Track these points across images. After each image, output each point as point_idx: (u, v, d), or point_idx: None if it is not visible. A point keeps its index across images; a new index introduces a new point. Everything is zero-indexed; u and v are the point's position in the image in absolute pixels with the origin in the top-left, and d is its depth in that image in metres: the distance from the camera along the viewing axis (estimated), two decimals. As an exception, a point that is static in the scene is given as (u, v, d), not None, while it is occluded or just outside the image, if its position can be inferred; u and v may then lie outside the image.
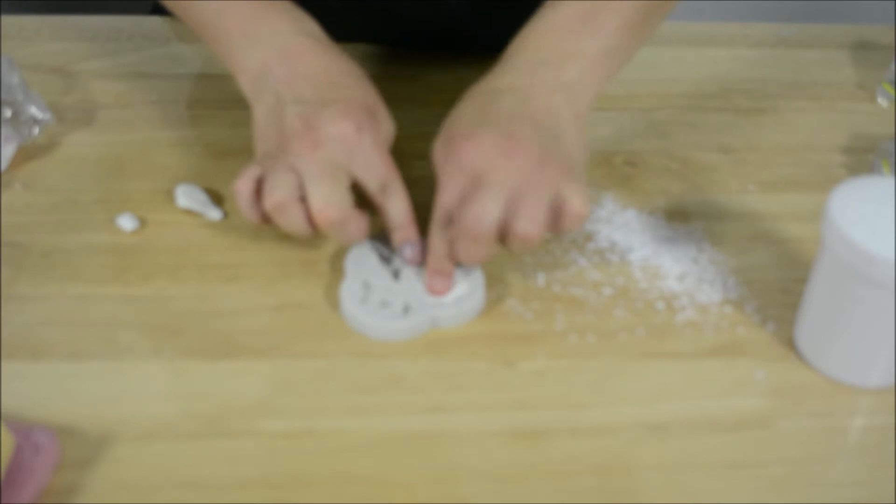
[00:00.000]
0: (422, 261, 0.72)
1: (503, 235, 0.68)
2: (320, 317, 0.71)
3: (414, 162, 0.76)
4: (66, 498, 0.60)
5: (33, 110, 0.82)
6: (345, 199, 0.69)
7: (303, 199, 0.69)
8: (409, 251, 0.71)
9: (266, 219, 0.70)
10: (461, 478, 0.63)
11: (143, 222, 0.77)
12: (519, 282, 0.74)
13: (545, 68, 0.72)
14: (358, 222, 0.70)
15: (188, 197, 0.78)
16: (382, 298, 0.71)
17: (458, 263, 0.71)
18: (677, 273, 0.75)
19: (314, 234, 0.70)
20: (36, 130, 0.82)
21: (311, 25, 0.75)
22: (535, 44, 0.74)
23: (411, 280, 0.72)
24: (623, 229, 0.78)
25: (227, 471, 0.62)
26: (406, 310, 0.70)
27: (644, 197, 0.81)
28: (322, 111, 0.70)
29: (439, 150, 0.71)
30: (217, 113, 0.87)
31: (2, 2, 1.04)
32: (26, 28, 0.95)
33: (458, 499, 0.61)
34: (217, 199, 0.79)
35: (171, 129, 0.86)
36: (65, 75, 0.90)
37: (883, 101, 0.93)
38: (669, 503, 0.62)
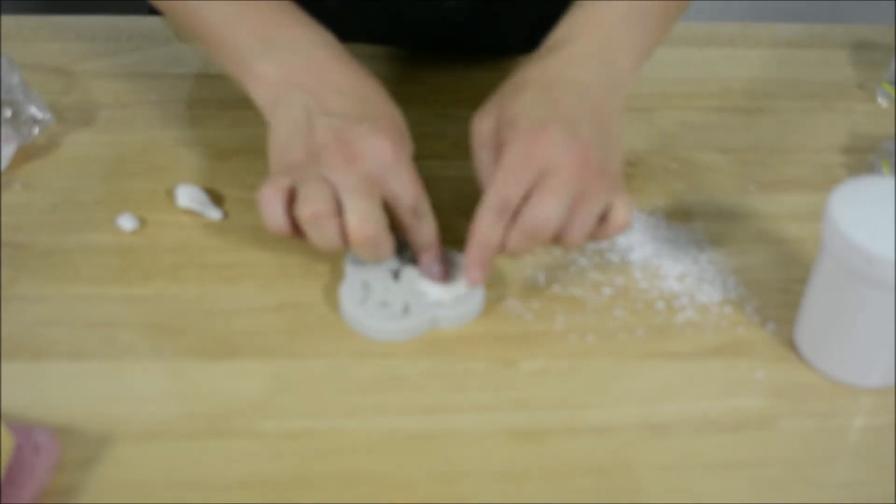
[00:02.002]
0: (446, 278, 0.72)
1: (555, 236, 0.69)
2: (320, 317, 0.71)
3: (414, 162, 0.76)
4: (66, 498, 0.60)
5: (33, 110, 0.82)
6: (381, 217, 0.68)
7: (338, 214, 0.67)
8: (437, 269, 0.71)
9: (295, 229, 0.69)
10: (461, 478, 0.63)
11: (143, 222, 0.77)
12: (519, 282, 0.74)
13: (603, 62, 0.72)
14: (388, 241, 0.69)
15: (188, 197, 0.78)
16: (382, 299, 0.71)
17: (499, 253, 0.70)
18: (677, 273, 0.75)
19: (340, 249, 0.69)
20: (36, 130, 0.82)
21: (330, 37, 0.74)
22: (591, 33, 0.73)
23: (411, 280, 0.72)
24: (610, 239, 0.78)
25: (227, 471, 0.62)
26: (406, 310, 0.70)
27: (644, 197, 0.81)
28: (358, 126, 0.69)
29: (490, 128, 0.70)
30: (217, 113, 0.87)
31: (2, 2, 1.04)
32: (26, 28, 0.95)
33: (458, 499, 0.61)
34: (217, 199, 0.79)
35: (171, 129, 0.86)
36: (65, 75, 0.90)
37: (883, 101, 0.93)
38: (669, 503, 0.62)
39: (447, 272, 0.72)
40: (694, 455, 0.64)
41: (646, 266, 0.76)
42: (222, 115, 0.87)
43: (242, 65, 0.73)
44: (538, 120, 0.69)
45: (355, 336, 0.70)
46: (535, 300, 0.73)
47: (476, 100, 0.74)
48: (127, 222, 0.76)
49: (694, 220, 0.80)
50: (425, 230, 0.71)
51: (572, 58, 0.72)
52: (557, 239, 0.69)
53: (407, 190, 0.69)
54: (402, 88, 0.86)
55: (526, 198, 0.67)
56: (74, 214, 0.78)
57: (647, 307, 0.73)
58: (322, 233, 0.67)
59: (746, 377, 0.69)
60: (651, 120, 0.89)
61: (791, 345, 0.71)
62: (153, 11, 0.99)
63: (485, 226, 0.68)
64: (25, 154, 0.82)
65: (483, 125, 0.71)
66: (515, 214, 0.68)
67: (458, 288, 0.71)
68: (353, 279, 0.72)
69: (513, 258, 0.72)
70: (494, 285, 0.73)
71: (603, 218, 0.69)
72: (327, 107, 0.70)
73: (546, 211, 0.67)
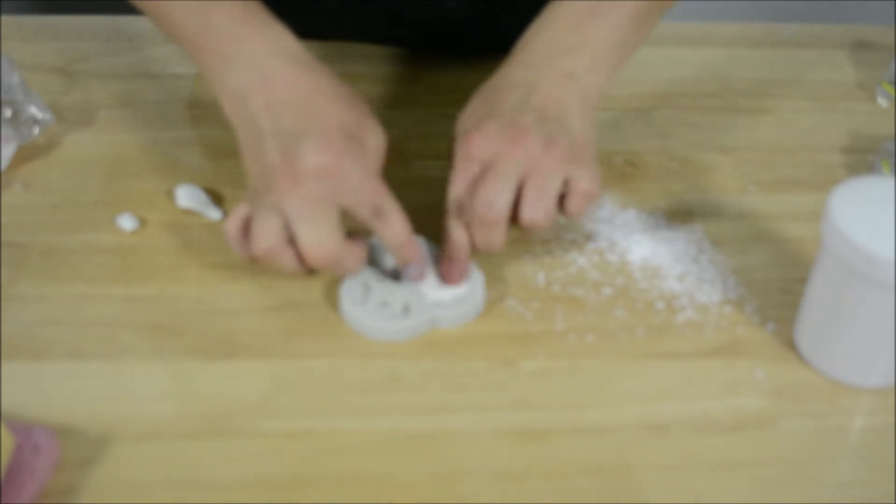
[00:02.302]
0: (425, 272, 0.72)
1: (516, 219, 0.69)
2: (320, 317, 0.71)
3: (414, 162, 0.76)
4: (66, 498, 0.60)
5: (33, 110, 0.82)
6: (334, 236, 0.67)
7: (292, 241, 0.67)
8: (413, 271, 0.71)
9: (257, 259, 0.69)
10: (461, 478, 0.63)
11: (143, 222, 0.77)
12: (519, 282, 0.74)
13: (553, 60, 0.73)
14: (352, 255, 0.69)
15: (188, 197, 0.78)
16: (382, 299, 0.71)
17: (473, 252, 0.71)
18: (677, 273, 0.75)
19: (309, 273, 0.70)
20: (36, 130, 0.82)
21: (288, 43, 0.72)
22: (543, 38, 0.75)
23: (411, 281, 0.72)
24: (623, 229, 0.78)
25: (227, 471, 0.62)
26: (406, 310, 0.70)
27: (644, 197, 0.81)
28: (300, 144, 0.67)
29: (453, 147, 0.72)
30: (217, 113, 0.87)
31: (2, 2, 1.04)
32: (26, 28, 0.95)
33: (458, 499, 0.61)
34: (217, 199, 0.79)
35: (171, 129, 0.86)
36: (65, 75, 0.90)
37: (883, 101, 0.93)
38: (669, 503, 0.62)
39: (422, 272, 0.71)
40: (694, 455, 0.64)
41: (646, 266, 0.76)
42: (222, 116, 0.87)
43: (212, 82, 0.73)
44: (474, 121, 0.71)
45: (355, 336, 0.70)
46: (535, 300, 0.73)
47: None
48: (127, 222, 0.76)
49: (694, 220, 0.80)
50: (390, 231, 0.69)
51: (519, 64, 0.74)
52: (521, 220, 0.69)
53: (360, 196, 0.68)
54: (402, 88, 0.87)
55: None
56: (74, 214, 0.78)
57: (647, 307, 0.73)
58: (280, 264, 0.68)
59: (746, 377, 0.69)
60: (651, 120, 0.89)
61: (791, 345, 0.71)
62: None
63: (449, 229, 0.70)
64: (25, 154, 0.82)
65: (451, 146, 0.73)
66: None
67: (458, 288, 0.71)
68: (354, 279, 0.72)
69: (487, 251, 0.72)
70: (494, 285, 0.74)
71: (567, 192, 0.70)
72: (275, 124, 0.69)
73: (486, 193, 0.68)
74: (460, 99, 0.74)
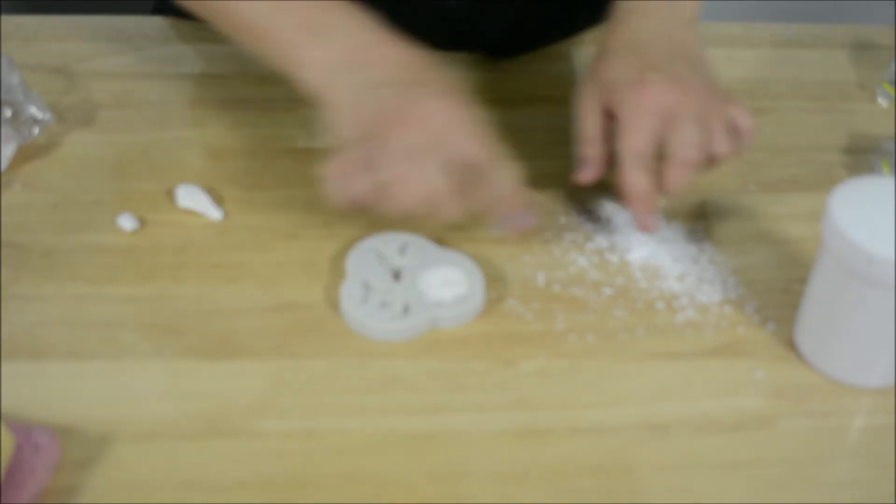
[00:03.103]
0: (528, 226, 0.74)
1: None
2: (320, 317, 0.71)
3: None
4: (66, 498, 0.60)
5: (33, 110, 0.82)
6: (438, 179, 0.69)
7: (408, 180, 0.69)
8: (519, 219, 0.73)
9: (363, 200, 0.70)
10: (461, 478, 0.63)
11: (143, 222, 0.77)
12: (519, 282, 0.74)
13: (670, 11, 0.79)
14: (455, 203, 0.70)
15: (188, 197, 0.78)
16: (382, 299, 0.71)
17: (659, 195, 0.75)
18: (677, 273, 0.75)
19: (410, 213, 0.70)
20: (36, 130, 0.82)
21: (373, 20, 0.75)
22: None
23: (411, 280, 0.72)
24: (623, 229, 0.78)
25: (227, 471, 0.62)
26: (406, 310, 0.70)
27: (644, 197, 0.81)
28: (419, 91, 0.71)
29: (595, 97, 0.76)
30: (217, 113, 0.87)
31: (2, 2, 1.04)
32: (26, 28, 0.95)
33: (459, 499, 0.61)
34: (217, 199, 0.79)
35: (171, 129, 0.86)
36: (65, 75, 0.90)
37: (883, 101, 0.93)
38: (669, 503, 0.62)
39: (527, 223, 0.73)
40: (694, 455, 0.64)
41: (646, 266, 0.76)
42: (222, 115, 0.87)
43: (291, 52, 0.74)
44: (636, 75, 0.74)
45: (355, 336, 0.70)
46: (535, 300, 0.73)
47: (475, 100, 0.74)
48: (127, 222, 0.76)
49: (694, 220, 0.80)
50: (496, 183, 0.71)
51: (641, 17, 0.79)
52: (710, 160, 0.74)
53: (469, 148, 0.70)
54: (402, 88, 0.86)
55: (659, 144, 0.73)
56: (74, 214, 0.78)
57: (647, 307, 0.73)
58: (399, 196, 0.69)
59: (746, 377, 0.69)
60: (651, 120, 0.89)
61: (791, 345, 0.71)
62: (154, 11, 0.99)
63: (632, 179, 0.73)
64: (25, 154, 0.82)
65: (583, 92, 0.77)
66: (660, 159, 0.73)
67: (458, 288, 0.72)
68: (354, 279, 0.72)
69: (674, 197, 0.75)
70: (494, 285, 0.74)
71: (732, 131, 0.75)
72: (386, 77, 0.71)
73: (685, 137, 0.72)
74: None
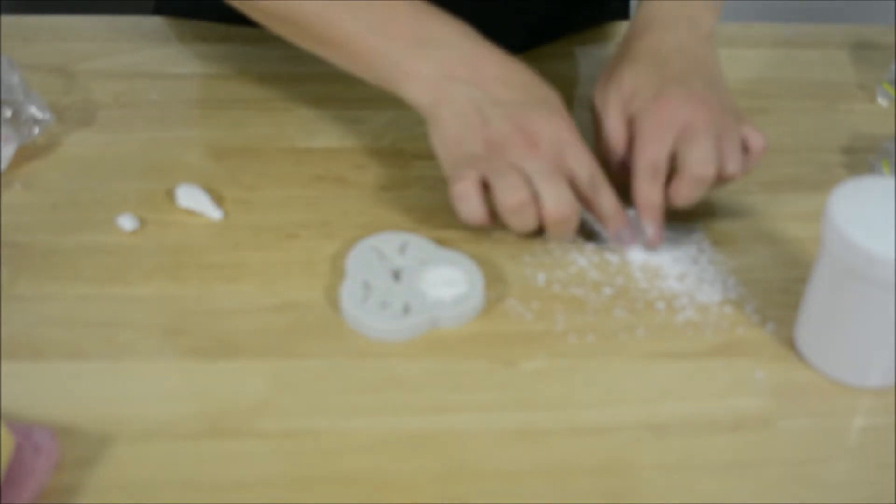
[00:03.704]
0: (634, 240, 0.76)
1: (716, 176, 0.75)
2: (320, 317, 0.71)
3: (414, 162, 0.76)
4: (66, 498, 0.60)
5: (33, 110, 0.82)
6: (572, 197, 0.72)
7: (534, 200, 0.71)
8: (627, 234, 0.75)
9: (491, 218, 0.72)
10: (461, 478, 0.63)
11: (143, 222, 0.77)
12: (519, 282, 0.74)
13: (689, 24, 0.80)
14: (578, 218, 0.74)
15: (188, 197, 0.78)
16: (382, 299, 0.71)
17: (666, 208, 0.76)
18: (677, 273, 0.75)
19: (533, 231, 0.73)
20: (36, 130, 0.82)
21: (473, 30, 0.77)
22: (671, 5, 0.82)
23: (411, 280, 0.72)
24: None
25: (227, 471, 0.62)
26: (406, 310, 0.70)
27: (644, 197, 0.81)
28: (532, 111, 0.73)
29: (612, 99, 0.78)
30: (217, 113, 0.87)
31: (2, 2, 1.04)
32: (26, 28, 0.95)
33: (459, 499, 0.61)
34: (217, 199, 0.79)
35: (171, 129, 0.86)
36: (65, 75, 0.90)
37: (883, 101, 0.93)
38: (669, 503, 0.62)
39: (636, 235, 0.75)
40: (694, 455, 0.64)
41: (646, 266, 0.76)
42: (222, 115, 0.87)
43: (395, 67, 0.74)
44: (657, 87, 0.76)
45: (355, 336, 0.70)
46: (535, 300, 0.73)
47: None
48: (127, 222, 0.76)
49: (694, 220, 0.80)
50: (606, 200, 0.74)
51: (662, 28, 0.80)
52: (722, 176, 0.75)
53: (584, 165, 0.74)
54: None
55: (673, 157, 0.75)
56: (74, 214, 0.78)
57: (647, 307, 0.73)
58: (523, 219, 0.72)
59: (746, 377, 0.69)
60: (651, 120, 0.89)
61: (791, 345, 0.71)
62: (154, 11, 0.99)
63: (645, 190, 0.75)
64: (25, 154, 0.82)
65: (605, 96, 0.78)
66: (673, 172, 0.75)
67: (458, 288, 0.72)
68: (354, 279, 0.72)
69: (679, 208, 0.76)
70: (494, 285, 0.74)
71: (744, 149, 0.76)
72: (494, 96, 0.73)
73: (700, 153, 0.73)
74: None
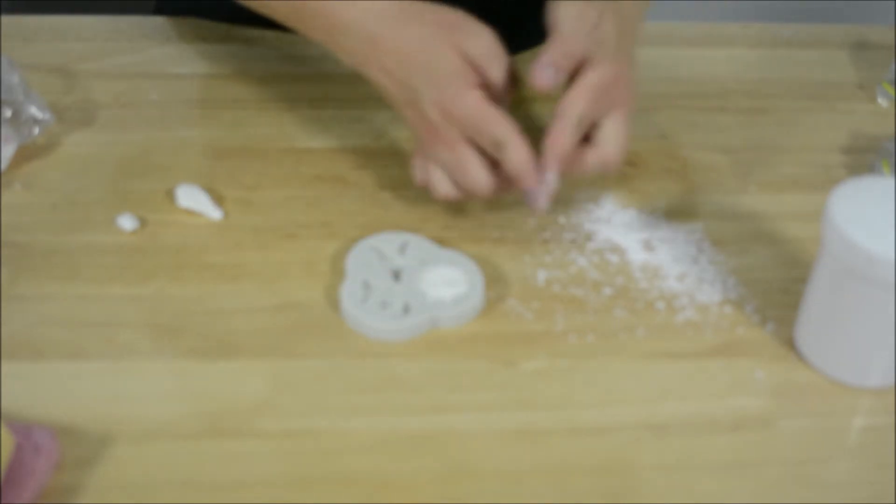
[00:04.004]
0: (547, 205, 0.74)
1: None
2: (320, 317, 0.71)
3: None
4: (66, 498, 0.60)
5: (33, 110, 0.82)
6: (484, 174, 0.72)
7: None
8: (535, 196, 0.73)
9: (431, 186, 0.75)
10: (461, 478, 0.63)
11: (143, 222, 0.77)
12: (519, 282, 0.74)
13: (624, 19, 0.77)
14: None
15: (188, 197, 0.78)
16: (382, 299, 0.71)
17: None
18: (677, 273, 0.75)
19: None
20: (36, 130, 0.82)
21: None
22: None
23: (412, 280, 0.72)
24: (623, 229, 0.78)
25: (227, 471, 0.62)
26: (406, 310, 0.70)
27: (644, 197, 0.81)
28: (446, 90, 0.71)
29: (574, 24, 0.74)
30: (217, 113, 0.87)
31: (2, 2, 1.04)
32: (26, 28, 0.95)
33: (459, 499, 0.61)
34: (217, 199, 0.79)
35: (171, 129, 0.86)
36: (65, 75, 0.90)
37: (883, 101, 0.93)
38: (669, 503, 0.62)
39: (550, 197, 0.73)
40: (694, 455, 0.64)
41: (646, 266, 0.76)
42: (222, 115, 0.87)
43: (330, 17, 0.75)
44: (618, 55, 0.74)
45: (355, 336, 0.70)
46: (535, 300, 0.73)
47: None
48: (127, 222, 0.76)
49: (694, 220, 0.80)
50: (510, 159, 0.71)
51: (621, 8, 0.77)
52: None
53: (481, 133, 0.71)
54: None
55: (596, 125, 0.73)
56: (74, 214, 0.78)
57: (647, 307, 0.73)
58: (445, 189, 0.74)
59: (746, 377, 0.69)
60: (651, 120, 0.89)
61: (791, 345, 0.71)
62: (154, 11, 0.99)
63: (562, 137, 0.72)
64: (25, 154, 0.82)
65: (570, 23, 0.74)
66: (589, 139, 0.74)
67: (458, 288, 0.72)
68: (354, 279, 0.72)
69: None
70: (494, 285, 0.73)
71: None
72: (402, 80, 0.73)
73: (620, 143, 0.74)
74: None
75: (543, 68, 0.72)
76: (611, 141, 0.73)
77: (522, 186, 0.72)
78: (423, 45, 0.73)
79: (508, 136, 0.71)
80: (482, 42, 0.73)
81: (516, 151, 0.71)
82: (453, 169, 0.73)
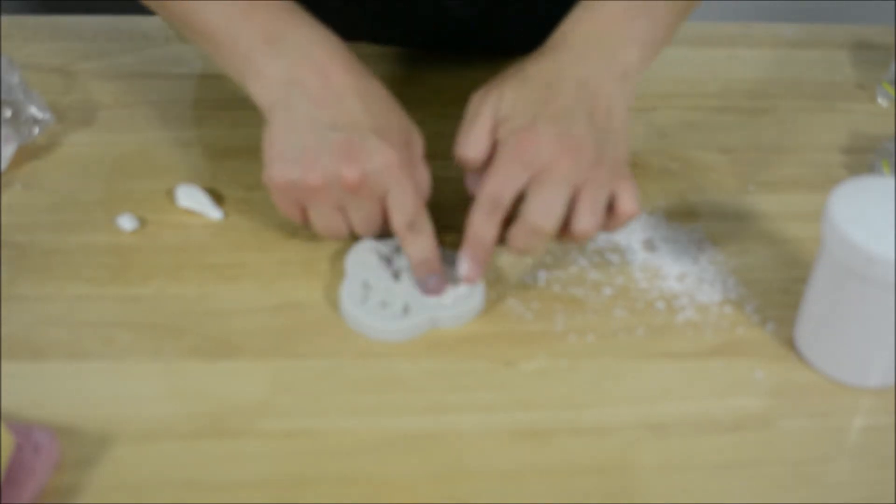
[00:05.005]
0: (442, 290, 0.71)
1: (563, 230, 0.70)
2: (320, 317, 0.71)
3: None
4: (66, 498, 0.60)
5: (33, 110, 0.82)
6: (379, 222, 0.72)
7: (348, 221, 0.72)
8: (433, 282, 0.71)
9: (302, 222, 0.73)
10: (461, 478, 0.63)
11: (143, 222, 0.77)
12: (519, 282, 0.74)
13: (603, 54, 0.72)
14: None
15: (188, 197, 0.78)
16: (382, 299, 0.71)
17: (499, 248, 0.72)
18: (677, 273, 0.75)
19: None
20: (36, 130, 0.82)
21: (334, 38, 0.73)
22: (596, 27, 0.73)
23: (411, 280, 0.72)
24: (623, 229, 0.78)
25: (227, 471, 0.62)
26: (406, 310, 0.70)
27: (644, 197, 0.81)
28: (365, 142, 0.68)
29: (485, 111, 0.71)
30: (217, 113, 0.87)
31: (2, 2, 1.04)
32: (26, 28, 0.95)
33: (459, 499, 0.61)
34: (217, 199, 0.79)
35: (171, 129, 0.86)
36: (65, 75, 0.90)
37: (883, 101, 0.93)
38: (669, 503, 0.62)
39: (443, 285, 0.71)
40: (694, 455, 0.64)
41: (646, 266, 0.76)
42: (222, 115, 0.87)
43: (245, 63, 0.72)
44: (530, 118, 0.69)
45: (355, 336, 0.70)
46: (535, 300, 0.73)
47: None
48: (127, 222, 0.76)
49: (694, 220, 0.80)
50: (419, 246, 0.71)
51: (571, 53, 0.73)
52: (567, 233, 0.69)
53: (404, 209, 0.70)
54: (402, 88, 0.86)
55: (521, 197, 0.69)
56: (74, 214, 0.78)
57: (647, 307, 0.73)
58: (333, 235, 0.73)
59: (746, 377, 0.69)
60: (651, 120, 0.89)
61: (791, 345, 0.71)
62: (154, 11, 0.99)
63: (477, 223, 0.69)
64: (25, 154, 0.82)
65: (481, 107, 0.71)
66: (516, 213, 0.69)
67: (458, 288, 0.72)
68: (354, 279, 0.72)
69: (520, 256, 0.73)
70: (494, 285, 0.73)
71: (610, 208, 0.70)
72: (332, 116, 0.69)
73: (544, 204, 0.68)
74: (460, 99, 0.74)
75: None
76: (529, 209, 0.68)
77: (414, 274, 0.72)
78: (372, 92, 0.72)
79: (425, 222, 0.71)
80: (421, 147, 0.73)
81: (428, 239, 0.71)
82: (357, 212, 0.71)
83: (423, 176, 0.72)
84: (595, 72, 0.71)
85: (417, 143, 0.72)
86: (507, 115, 0.70)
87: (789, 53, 0.98)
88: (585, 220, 0.68)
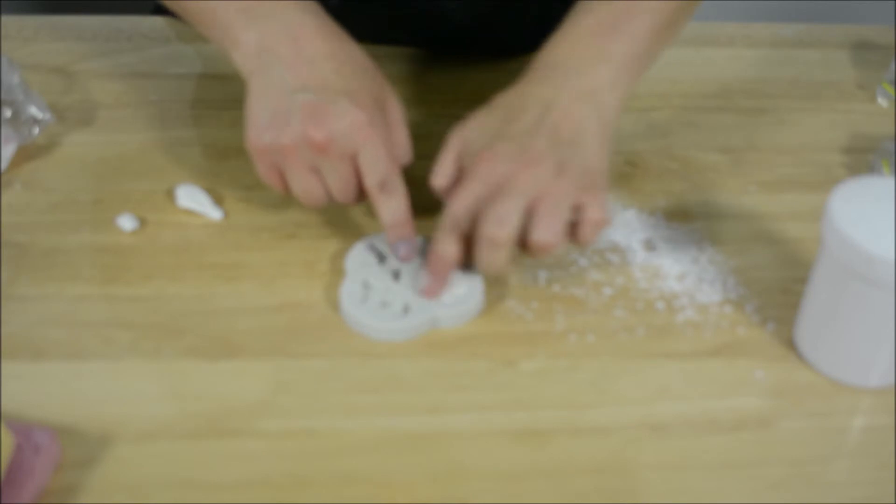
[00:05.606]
0: (415, 258, 0.72)
1: (523, 243, 0.69)
2: (320, 317, 0.71)
3: (414, 162, 0.76)
4: (66, 498, 0.60)
5: (33, 110, 0.82)
6: (355, 185, 0.72)
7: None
8: (403, 249, 0.72)
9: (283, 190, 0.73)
10: (461, 478, 0.63)
11: (143, 222, 0.77)
12: (519, 282, 0.74)
13: (573, 75, 0.72)
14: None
15: (188, 197, 0.78)
16: (382, 299, 0.71)
17: (463, 268, 0.71)
18: (677, 273, 0.75)
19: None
20: (36, 130, 0.82)
21: (313, 4, 0.74)
22: (564, 49, 0.74)
23: (411, 280, 0.72)
24: (623, 229, 0.78)
25: (227, 471, 0.62)
26: (406, 310, 0.70)
27: (644, 197, 0.81)
28: (335, 104, 0.69)
29: (457, 147, 0.72)
30: (217, 113, 0.87)
31: (2, 2, 1.04)
32: (26, 28, 0.95)
33: (459, 499, 0.61)
34: (217, 199, 0.79)
35: (171, 129, 0.86)
36: (65, 75, 0.90)
37: (883, 101, 0.93)
38: (669, 503, 0.62)
39: (413, 254, 0.72)
40: (694, 455, 0.64)
41: (646, 266, 0.76)
42: (222, 115, 0.87)
43: (225, 34, 0.74)
44: (489, 140, 0.70)
45: (355, 336, 0.70)
46: (535, 300, 0.73)
47: (476, 100, 0.74)
48: (127, 222, 0.76)
49: (694, 220, 0.80)
50: (391, 207, 0.71)
51: (534, 76, 0.73)
52: (529, 245, 0.68)
53: (376, 168, 0.70)
54: (401, 88, 0.87)
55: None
56: (74, 214, 0.78)
57: (647, 307, 0.73)
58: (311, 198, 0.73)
59: (746, 377, 0.69)
60: (651, 120, 0.89)
61: (791, 345, 0.71)
62: (154, 11, 0.99)
63: (437, 240, 0.70)
64: (25, 154, 0.82)
65: (451, 138, 0.72)
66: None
67: (457, 288, 0.72)
68: (354, 279, 0.72)
69: (493, 275, 0.72)
70: (494, 285, 0.73)
71: (577, 220, 0.69)
72: (302, 80, 0.70)
73: (496, 213, 0.67)
74: (460, 99, 0.74)
75: (436, 180, 0.72)
76: (483, 221, 0.68)
77: (392, 236, 0.72)
78: (349, 57, 0.73)
79: (398, 183, 0.71)
80: (399, 111, 0.73)
81: (401, 200, 0.71)
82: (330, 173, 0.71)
83: (401, 139, 0.73)
84: (558, 92, 0.72)
85: (394, 106, 0.73)
86: (470, 140, 0.71)
87: (789, 53, 0.98)
88: (542, 231, 0.67)
